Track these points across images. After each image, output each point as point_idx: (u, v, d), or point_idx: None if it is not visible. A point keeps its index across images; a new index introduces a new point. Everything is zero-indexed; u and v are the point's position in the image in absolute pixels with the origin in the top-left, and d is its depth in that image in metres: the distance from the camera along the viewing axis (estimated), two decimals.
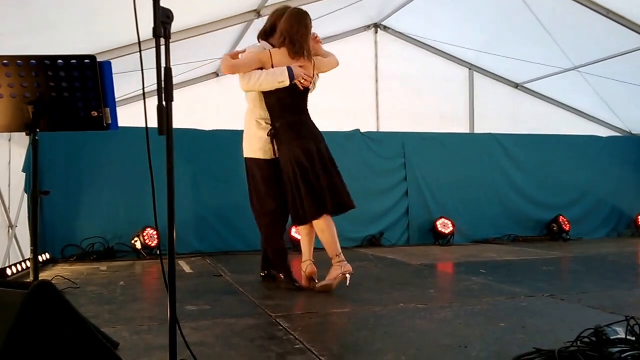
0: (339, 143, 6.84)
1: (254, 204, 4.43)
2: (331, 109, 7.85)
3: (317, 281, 4.19)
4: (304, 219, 4.09)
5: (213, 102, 8.95)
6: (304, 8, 4.38)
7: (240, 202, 6.82)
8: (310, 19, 4.15)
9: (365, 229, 7.44)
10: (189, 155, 6.80)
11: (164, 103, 1.93)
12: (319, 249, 4.28)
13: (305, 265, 4.23)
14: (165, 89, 1.94)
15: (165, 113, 1.89)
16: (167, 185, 1.88)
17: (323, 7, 6.60)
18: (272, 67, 4.07)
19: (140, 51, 1.95)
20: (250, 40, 7.65)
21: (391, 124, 9.00)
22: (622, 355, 2.27)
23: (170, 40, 5.71)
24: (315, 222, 4.08)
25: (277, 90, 4.08)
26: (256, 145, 4.31)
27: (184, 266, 5.68)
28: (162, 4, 1.94)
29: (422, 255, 6.42)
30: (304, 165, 4.02)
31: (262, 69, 4.10)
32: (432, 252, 6.77)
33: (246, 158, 4.43)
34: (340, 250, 4.09)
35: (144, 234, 6.25)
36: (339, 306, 3.61)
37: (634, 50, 7.73)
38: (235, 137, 6.91)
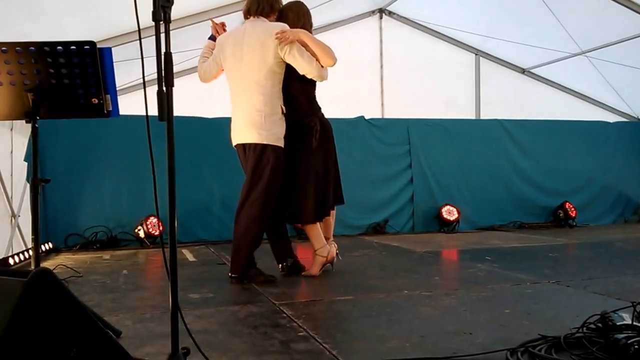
0: (343, 130, 6.81)
1: (273, 195, 4.02)
2: (335, 95, 7.78)
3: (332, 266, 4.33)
4: (326, 213, 4.21)
5: (218, 89, 8.88)
6: None
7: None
8: None
9: (370, 217, 7.42)
10: (193, 143, 6.77)
11: (164, 88, 1.89)
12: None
13: (325, 250, 4.21)
14: (165, 74, 1.90)
15: (165, 99, 1.86)
16: (167, 173, 1.84)
17: None
18: None
19: (140, 38, 1.92)
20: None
21: (396, 110, 8.93)
22: (629, 341, 2.24)
23: (175, 27, 5.69)
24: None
25: (305, 83, 4.04)
26: (280, 133, 4.00)
27: (187, 254, 5.68)
28: None
29: (426, 243, 6.40)
30: (331, 164, 4.17)
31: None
32: (436, 240, 6.75)
33: (272, 145, 3.95)
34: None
35: (147, 223, 6.25)
36: (343, 293, 3.60)
37: None
38: None
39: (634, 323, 2.44)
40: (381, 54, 9.32)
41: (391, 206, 7.57)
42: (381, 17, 9.38)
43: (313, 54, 3.92)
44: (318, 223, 4.19)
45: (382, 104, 9.31)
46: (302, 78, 3.98)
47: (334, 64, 3.94)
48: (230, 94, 4.24)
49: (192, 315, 3.03)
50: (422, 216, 7.67)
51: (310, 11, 4.24)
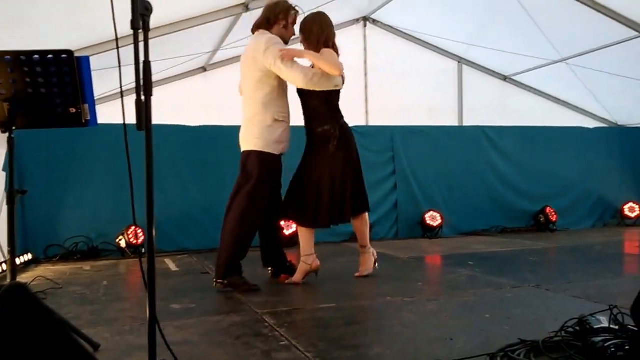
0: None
1: (258, 199, 4.09)
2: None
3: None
4: (345, 219, 4.35)
5: (200, 97, 8.90)
6: (292, 3, 4.38)
7: (228, 198, 6.80)
8: None
9: None
10: (176, 152, 6.75)
11: (143, 98, 1.88)
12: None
13: (311, 258, 4.27)
14: (145, 83, 1.90)
15: (144, 108, 1.85)
16: (146, 183, 1.84)
17: (312, 1, 6.58)
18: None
19: (118, 46, 1.92)
20: (239, 33, 7.64)
21: (380, 118, 8.98)
22: (606, 344, 2.27)
23: (157, 34, 5.69)
24: None
25: (326, 92, 4.14)
26: (270, 139, 4.08)
27: (170, 264, 5.65)
28: None
29: (410, 248, 6.42)
30: (349, 171, 4.27)
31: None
32: (420, 245, 6.78)
33: (254, 151, 4.08)
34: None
35: (129, 232, 6.20)
36: (326, 301, 3.59)
37: (620, 41, 7.75)
38: (222, 133, 6.91)
39: (611, 326, 2.47)
40: (365, 61, 9.38)
41: (375, 212, 7.56)
42: (365, 25, 9.45)
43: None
44: (312, 230, 4.25)
45: (367, 112, 9.36)
46: (321, 92, 4.11)
47: (339, 73, 4.05)
48: None
49: (172, 326, 3.01)
50: (406, 222, 7.69)
51: (299, 17, 4.33)
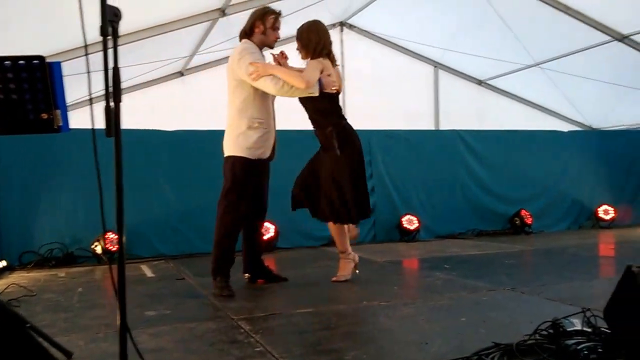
0: (305, 142, 6.79)
1: (235, 201, 4.16)
2: (297, 108, 7.84)
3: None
4: (350, 220, 4.41)
5: (178, 101, 8.86)
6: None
7: (205, 203, 6.74)
8: None
9: None
10: (152, 156, 6.70)
11: (112, 104, 1.87)
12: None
13: (352, 254, 4.56)
14: (114, 89, 1.88)
15: (113, 114, 1.84)
16: (115, 189, 1.82)
17: (288, 6, 6.58)
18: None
19: (87, 53, 1.90)
20: (216, 38, 7.63)
21: (357, 122, 8.94)
22: (578, 347, 2.30)
23: (134, 39, 5.68)
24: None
25: (313, 99, 4.19)
26: (244, 144, 4.17)
27: (146, 270, 5.59)
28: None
29: (387, 252, 6.44)
30: (357, 170, 4.35)
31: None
32: (397, 249, 6.80)
33: (232, 156, 4.20)
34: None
35: (105, 238, 6.13)
36: (302, 306, 3.59)
37: (593, 46, 7.90)
38: (200, 137, 6.88)
39: (584, 329, 2.50)
40: (342, 66, 9.39)
41: None
42: (342, 30, 9.48)
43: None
44: (345, 227, 4.49)
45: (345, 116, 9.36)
46: (310, 98, 4.17)
47: (305, 87, 4.04)
48: None
49: (147, 333, 2.98)
50: (383, 226, 7.72)
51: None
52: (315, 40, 4.30)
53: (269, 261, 4.69)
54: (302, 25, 4.42)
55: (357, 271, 4.58)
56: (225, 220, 4.16)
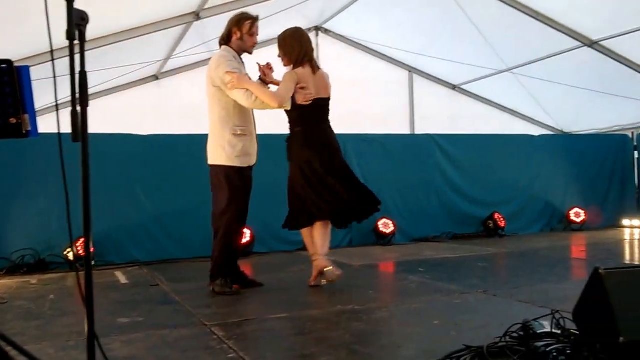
0: (281, 146, 6.81)
1: (223, 207, 4.22)
2: (273, 112, 7.84)
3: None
4: (295, 226, 4.44)
5: (153, 105, 8.80)
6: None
7: (180, 209, 6.72)
8: None
9: None
10: (126, 161, 6.62)
11: (79, 108, 1.85)
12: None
13: (320, 261, 4.37)
14: (80, 94, 1.86)
15: (79, 119, 1.82)
16: (82, 195, 1.79)
17: (263, 10, 6.60)
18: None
19: (53, 58, 1.88)
20: (191, 42, 7.60)
21: (334, 126, 9.00)
22: (547, 349, 2.33)
23: (108, 42, 5.62)
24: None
25: (289, 110, 4.27)
26: (232, 153, 4.21)
27: (120, 276, 5.53)
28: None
29: (363, 256, 6.45)
30: (307, 173, 4.28)
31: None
32: (373, 253, 6.82)
33: (220, 165, 4.24)
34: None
35: (77, 245, 6.04)
36: (277, 311, 3.58)
37: (563, 51, 8.05)
38: (174, 142, 6.83)
39: (553, 331, 2.53)
40: None
41: None
42: (317, 35, 9.51)
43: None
44: (307, 231, 4.41)
45: None
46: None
47: (277, 106, 4.12)
48: None
49: (119, 341, 2.95)
50: (359, 230, 7.70)
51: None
52: (297, 49, 4.33)
53: (245, 266, 4.68)
54: (284, 32, 4.43)
55: (324, 281, 4.38)
56: (229, 230, 4.23)
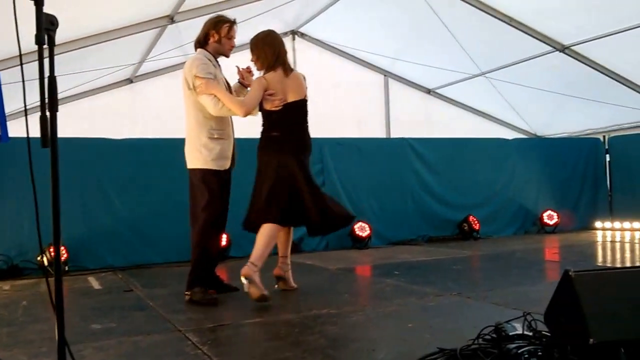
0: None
1: (199, 211, 4.17)
2: (250, 117, 7.84)
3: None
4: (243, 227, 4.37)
5: (127, 109, 8.73)
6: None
7: (155, 213, 6.66)
8: None
9: None
10: (98, 166, 6.55)
11: (48, 113, 1.82)
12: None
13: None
14: (49, 98, 1.84)
15: (48, 124, 1.80)
16: (52, 201, 1.77)
17: (239, 14, 6.57)
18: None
19: (22, 62, 1.86)
20: (165, 45, 7.55)
21: (311, 130, 9.03)
22: (519, 351, 2.36)
23: (81, 45, 5.56)
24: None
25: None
26: (208, 156, 4.16)
27: (93, 282, 5.46)
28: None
29: (339, 260, 6.47)
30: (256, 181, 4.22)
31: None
32: (349, 256, 6.84)
33: (197, 169, 4.19)
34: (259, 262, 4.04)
35: (51, 250, 5.95)
36: (252, 316, 3.57)
37: (535, 56, 8.15)
38: (149, 146, 6.77)
39: (525, 333, 2.56)
40: None
41: None
42: (294, 39, 9.52)
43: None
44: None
45: None
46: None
47: (243, 115, 4.06)
48: None
49: (92, 347, 2.92)
50: (335, 233, 7.62)
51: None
52: (269, 52, 4.26)
53: (221, 270, 4.65)
54: (257, 36, 4.35)
55: (276, 285, 4.39)
56: (205, 234, 4.17)
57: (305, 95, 4.40)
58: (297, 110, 4.34)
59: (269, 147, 4.26)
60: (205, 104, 4.08)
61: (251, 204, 4.30)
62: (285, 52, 4.37)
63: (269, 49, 4.27)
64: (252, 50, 4.36)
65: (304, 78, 4.43)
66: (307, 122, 4.43)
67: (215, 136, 4.18)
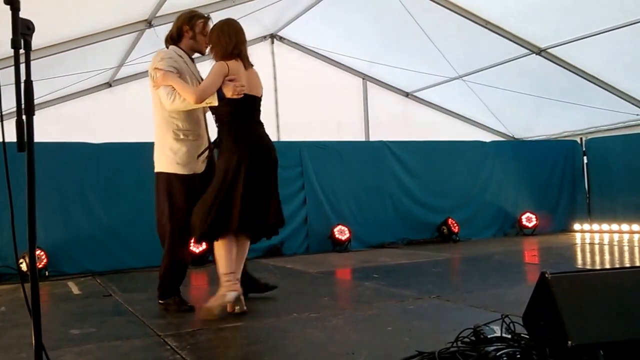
0: None
1: (165, 219, 3.93)
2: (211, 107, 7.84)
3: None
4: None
5: (105, 113, 8.67)
6: (194, 9, 4.33)
7: (133, 218, 6.61)
8: None
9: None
10: (78, 170, 6.49)
11: (24, 118, 1.81)
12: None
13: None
14: (26, 103, 1.83)
15: (24, 128, 1.78)
16: (27, 205, 1.75)
17: (218, 17, 6.58)
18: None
19: None
20: (143, 49, 7.51)
21: (291, 134, 9.07)
22: (498, 354, 2.37)
23: (59, 50, 5.50)
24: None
25: (217, 106, 3.80)
26: (173, 158, 3.90)
27: (72, 287, 5.41)
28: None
29: (319, 263, 6.47)
30: (228, 178, 3.74)
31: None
32: (329, 259, 6.85)
33: (161, 172, 3.95)
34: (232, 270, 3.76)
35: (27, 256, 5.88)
36: (232, 320, 3.55)
37: (512, 59, 8.25)
38: (128, 150, 6.72)
39: (503, 335, 2.58)
40: (275, 78, 9.45)
41: (286, 228, 7.46)
42: (273, 42, 9.54)
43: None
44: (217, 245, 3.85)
45: (278, 128, 9.42)
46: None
47: (195, 101, 3.69)
48: None
49: (71, 352, 2.90)
50: (316, 237, 7.74)
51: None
52: (224, 41, 3.86)
53: (201, 275, 4.63)
54: (214, 24, 4.01)
55: (237, 308, 3.75)
56: (172, 243, 3.90)
57: (262, 94, 4.08)
58: (255, 106, 3.99)
59: (225, 142, 3.86)
60: (160, 96, 3.81)
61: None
62: (243, 42, 3.93)
63: (224, 38, 3.87)
64: (208, 39, 4.01)
65: (259, 77, 4.08)
66: (262, 123, 4.08)
67: (182, 136, 3.89)
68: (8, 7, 1.78)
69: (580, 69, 8.04)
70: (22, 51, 1.84)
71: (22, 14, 1.83)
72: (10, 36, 1.80)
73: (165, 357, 2.75)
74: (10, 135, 1.85)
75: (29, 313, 4.01)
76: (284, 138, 9.17)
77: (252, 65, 3.99)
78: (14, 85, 1.82)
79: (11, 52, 1.83)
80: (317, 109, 9.56)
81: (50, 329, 2.62)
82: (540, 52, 7.88)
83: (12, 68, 1.89)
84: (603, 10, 6.64)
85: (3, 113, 1.82)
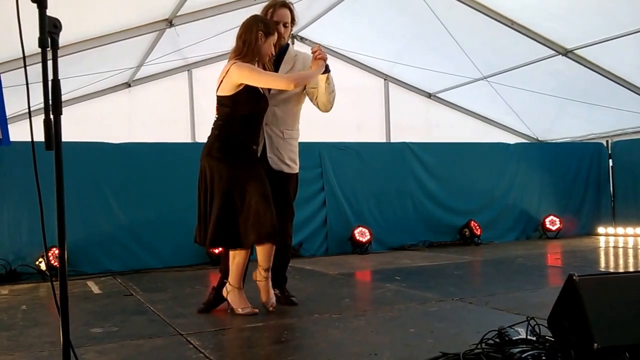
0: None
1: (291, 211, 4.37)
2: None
3: None
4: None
5: (125, 113, 8.74)
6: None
7: (153, 218, 6.64)
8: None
9: None
10: (98, 170, 6.53)
11: (52, 117, 1.82)
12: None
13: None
14: (54, 101, 1.83)
15: (52, 127, 1.79)
16: (56, 204, 1.76)
17: (239, 17, 6.59)
18: None
19: (25, 65, 1.85)
20: (164, 49, 7.55)
21: (310, 134, 9.01)
22: (523, 355, 2.34)
23: (79, 49, 5.53)
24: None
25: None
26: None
27: (93, 286, 5.45)
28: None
29: (339, 265, 6.45)
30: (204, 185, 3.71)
31: None
32: (349, 261, 6.82)
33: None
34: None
35: (49, 254, 5.94)
36: (253, 320, 3.54)
37: (538, 60, 8.15)
38: (147, 150, 6.76)
39: (529, 337, 2.55)
40: None
41: (305, 229, 7.56)
42: (293, 43, 9.51)
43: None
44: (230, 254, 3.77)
45: None
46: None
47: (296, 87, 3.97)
48: None
49: (93, 351, 2.91)
50: (335, 238, 7.72)
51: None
52: (240, 41, 3.79)
53: (216, 276, 4.61)
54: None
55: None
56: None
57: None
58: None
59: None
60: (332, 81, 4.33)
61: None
62: (255, 38, 3.76)
63: (240, 38, 3.79)
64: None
65: None
66: None
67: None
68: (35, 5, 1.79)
69: (607, 70, 7.91)
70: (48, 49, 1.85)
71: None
72: (37, 34, 1.81)
73: (189, 356, 2.75)
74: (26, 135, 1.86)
75: (49, 312, 4.07)
76: (302, 139, 9.15)
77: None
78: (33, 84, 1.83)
79: (36, 49, 1.84)
80: (336, 110, 9.48)
81: (71, 327, 2.61)
82: (566, 53, 7.77)
83: (36, 67, 1.90)
84: (631, 11, 6.53)
85: (28, 110, 1.83)
